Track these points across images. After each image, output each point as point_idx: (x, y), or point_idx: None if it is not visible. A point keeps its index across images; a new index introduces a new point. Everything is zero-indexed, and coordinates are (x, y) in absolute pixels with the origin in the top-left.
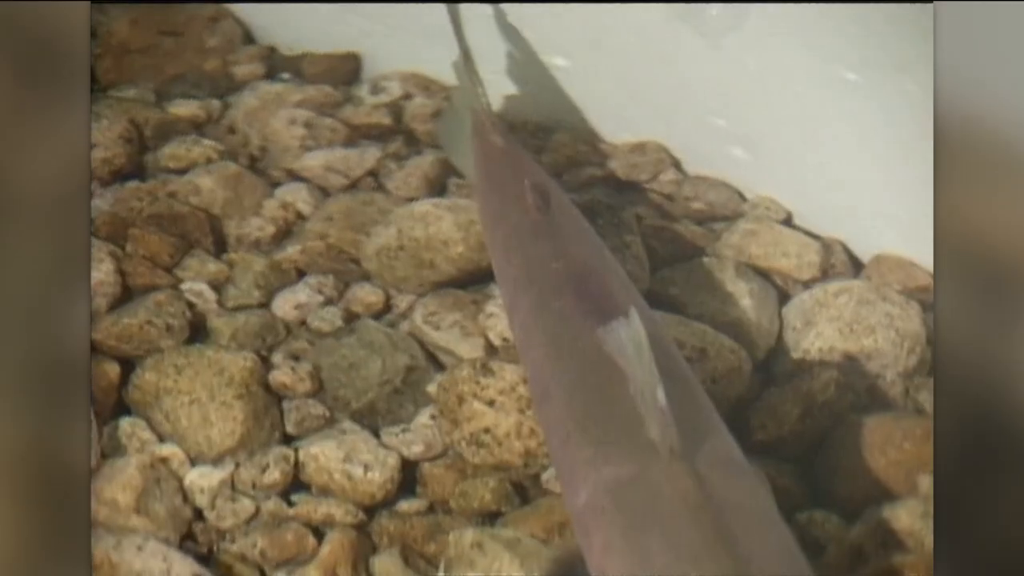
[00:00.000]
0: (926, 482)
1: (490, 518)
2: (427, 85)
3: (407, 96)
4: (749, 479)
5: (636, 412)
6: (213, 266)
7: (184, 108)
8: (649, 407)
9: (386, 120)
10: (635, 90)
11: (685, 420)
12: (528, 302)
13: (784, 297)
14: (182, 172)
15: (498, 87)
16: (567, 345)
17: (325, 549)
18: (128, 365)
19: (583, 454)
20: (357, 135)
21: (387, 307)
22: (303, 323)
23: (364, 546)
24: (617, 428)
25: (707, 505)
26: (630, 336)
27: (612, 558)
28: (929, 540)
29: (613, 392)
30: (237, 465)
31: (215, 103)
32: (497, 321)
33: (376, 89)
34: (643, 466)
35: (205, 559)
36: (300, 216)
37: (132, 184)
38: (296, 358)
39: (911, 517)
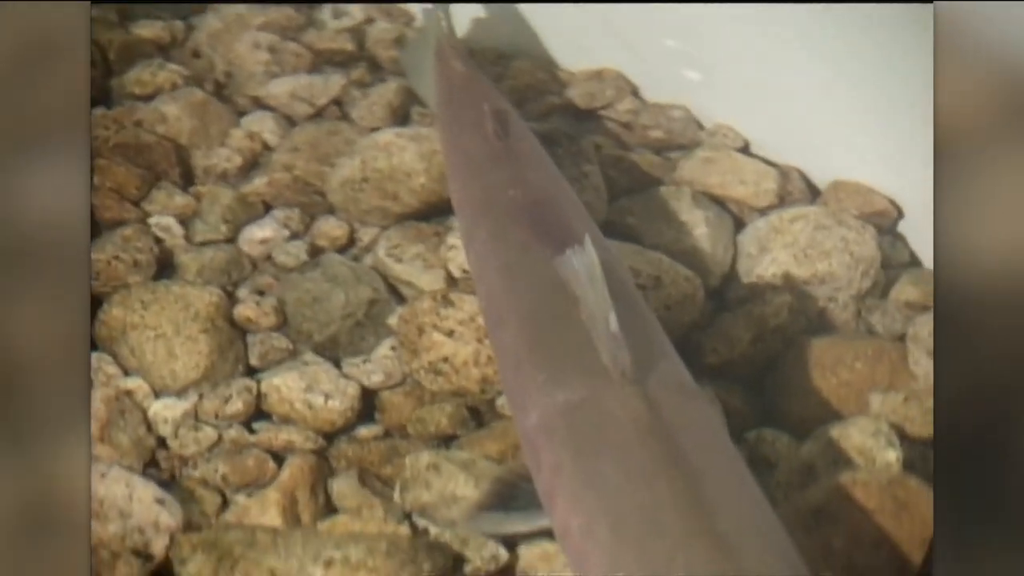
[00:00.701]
0: (877, 401)
1: (446, 442)
2: (388, 10)
3: (369, 20)
4: (699, 402)
5: (589, 338)
6: (180, 199)
7: (148, 29)
8: (601, 333)
9: (349, 45)
10: (594, 15)
11: (637, 345)
12: (485, 230)
13: (740, 225)
14: (148, 98)
15: (458, 14)
16: (522, 272)
17: (285, 473)
18: (95, 302)
19: (536, 379)
20: (320, 60)
21: (351, 240)
22: (268, 257)
23: (322, 470)
24: (570, 354)
25: (658, 428)
26: (583, 263)
27: (562, 478)
28: (881, 456)
29: (567, 319)
30: (200, 396)
31: (179, 24)
32: (457, 253)
33: (338, 12)
34: (595, 390)
35: (167, 485)
36: (266, 146)
37: (99, 111)
38: (261, 293)
39: (862, 435)
